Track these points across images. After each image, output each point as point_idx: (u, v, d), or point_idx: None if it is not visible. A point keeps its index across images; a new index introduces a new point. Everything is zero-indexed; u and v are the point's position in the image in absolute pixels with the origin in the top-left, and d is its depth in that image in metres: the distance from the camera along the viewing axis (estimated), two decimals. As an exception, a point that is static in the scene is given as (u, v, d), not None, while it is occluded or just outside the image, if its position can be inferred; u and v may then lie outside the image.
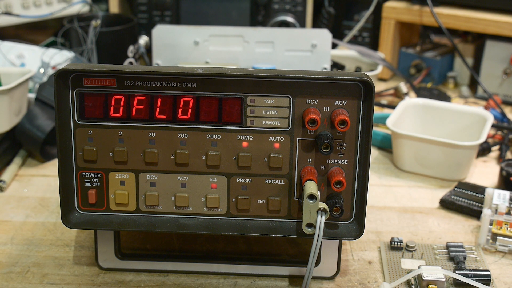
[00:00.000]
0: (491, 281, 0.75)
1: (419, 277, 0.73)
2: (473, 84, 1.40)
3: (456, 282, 0.74)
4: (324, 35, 1.05)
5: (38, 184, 0.98)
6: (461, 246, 0.81)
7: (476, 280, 0.73)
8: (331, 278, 0.76)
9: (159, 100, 0.68)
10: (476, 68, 1.38)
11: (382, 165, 1.07)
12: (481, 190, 0.94)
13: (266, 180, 0.70)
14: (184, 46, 1.06)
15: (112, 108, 0.68)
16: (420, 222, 0.89)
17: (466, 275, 0.73)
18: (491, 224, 0.82)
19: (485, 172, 1.05)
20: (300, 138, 0.68)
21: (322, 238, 0.67)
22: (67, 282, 0.75)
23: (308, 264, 0.67)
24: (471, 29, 1.35)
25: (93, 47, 1.24)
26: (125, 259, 0.76)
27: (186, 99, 0.68)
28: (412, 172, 1.04)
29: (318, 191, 0.68)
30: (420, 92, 1.32)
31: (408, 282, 0.74)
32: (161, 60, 1.07)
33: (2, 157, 1.02)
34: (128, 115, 0.68)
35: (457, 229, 0.88)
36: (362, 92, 0.67)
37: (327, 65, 1.07)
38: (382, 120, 1.15)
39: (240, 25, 1.42)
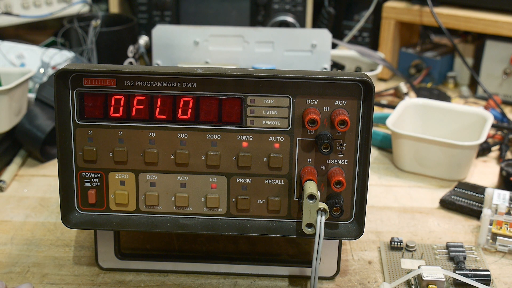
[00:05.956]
0: (491, 281, 0.75)
1: (419, 277, 0.73)
2: (473, 84, 1.40)
3: (456, 282, 0.74)
4: (324, 35, 1.05)
5: (38, 184, 0.98)
6: (461, 246, 0.81)
7: (476, 280, 0.73)
8: (331, 278, 0.76)
9: (159, 100, 0.68)
10: (476, 68, 1.38)
11: (382, 165, 1.07)
12: (481, 190, 0.94)
13: (266, 180, 0.70)
14: (184, 46, 1.06)
15: (112, 108, 0.68)
16: (420, 222, 0.89)
17: (466, 275, 0.73)
18: (491, 224, 0.82)
19: (485, 172, 1.05)
20: (300, 138, 0.68)
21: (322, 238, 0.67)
22: (67, 282, 0.75)
23: (312, 265, 0.67)
24: (471, 29, 1.35)
25: (93, 47, 1.24)
26: (125, 259, 0.76)
27: (186, 99, 0.68)
28: (412, 172, 1.04)
29: (318, 191, 0.68)
30: (420, 92, 1.32)
31: (408, 282, 0.74)
32: (161, 60, 1.07)
33: (2, 157, 1.02)
34: (128, 115, 0.68)
35: (457, 229, 0.88)
36: (362, 92, 0.67)
37: (327, 65, 1.07)
38: (382, 120, 1.15)
39: (240, 25, 1.42)
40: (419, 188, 0.99)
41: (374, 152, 1.11)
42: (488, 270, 0.75)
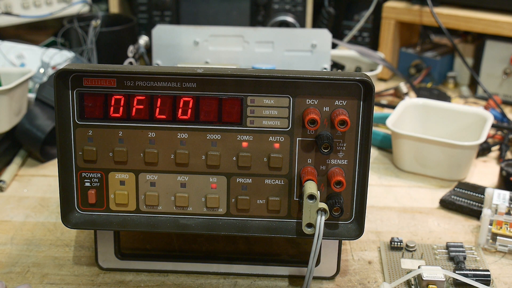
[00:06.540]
0: (491, 281, 0.75)
1: (419, 277, 0.73)
2: (473, 84, 1.40)
3: (456, 282, 0.74)
4: (324, 35, 1.05)
5: (38, 184, 0.98)
6: (461, 246, 0.81)
7: (476, 280, 0.73)
8: (331, 278, 0.76)
9: (159, 100, 0.68)
10: (476, 68, 1.38)
11: (382, 165, 1.07)
12: (481, 190, 0.94)
13: (266, 180, 0.70)
14: (184, 46, 1.06)
15: (112, 108, 0.68)
16: (420, 222, 0.89)
17: (466, 275, 0.73)
18: (491, 224, 0.82)
19: (485, 172, 1.05)
20: (300, 138, 0.68)
21: (322, 238, 0.67)
22: (67, 282, 0.75)
23: (308, 264, 0.67)
24: (471, 29, 1.35)
25: (93, 47, 1.24)
26: (125, 259, 0.76)
27: (186, 99, 0.68)
28: (412, 172, 1.04)
29: (318, 191, 0.68)
30: (420, 92, 1.32)
31: (408, 282, 0.74)
32: (161, 60, 1.07)
33: (2, 157, 1.02)
34: (128, 115, 0.68)
35: (457, 229, 0.88)
36: (362, 92, 0.67)
37: (327, 65, 1.07)
38: (382, 120, 1.15)
39: (240, 25, 1.42)
40: (419, 188, 0.99)
41: (374, 152, 1.11)
42: (488, 270, 0.75)
